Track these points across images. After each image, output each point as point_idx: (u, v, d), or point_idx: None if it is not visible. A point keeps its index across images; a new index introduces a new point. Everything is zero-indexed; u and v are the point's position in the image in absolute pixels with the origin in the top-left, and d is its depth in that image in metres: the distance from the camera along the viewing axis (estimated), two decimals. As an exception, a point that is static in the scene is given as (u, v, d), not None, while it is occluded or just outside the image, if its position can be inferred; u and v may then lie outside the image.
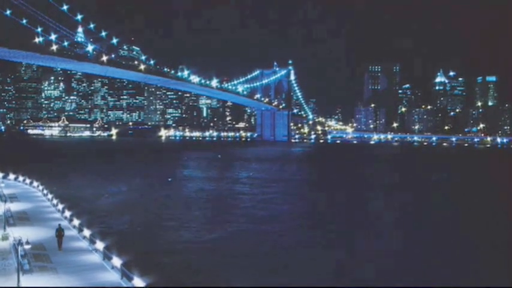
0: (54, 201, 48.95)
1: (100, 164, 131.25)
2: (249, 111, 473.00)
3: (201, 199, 73.59)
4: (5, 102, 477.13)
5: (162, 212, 60.52)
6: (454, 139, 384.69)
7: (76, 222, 38.64)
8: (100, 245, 31.64)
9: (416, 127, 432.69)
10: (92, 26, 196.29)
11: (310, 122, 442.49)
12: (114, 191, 78.31)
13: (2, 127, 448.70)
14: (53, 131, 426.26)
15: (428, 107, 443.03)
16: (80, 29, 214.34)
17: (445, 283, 36.58)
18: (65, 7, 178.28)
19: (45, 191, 56.32)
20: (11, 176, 70.55)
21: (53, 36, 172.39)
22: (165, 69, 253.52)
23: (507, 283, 38.28)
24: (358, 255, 42.92)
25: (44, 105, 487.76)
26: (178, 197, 75.56)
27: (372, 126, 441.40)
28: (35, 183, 62.69)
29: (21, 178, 68.30)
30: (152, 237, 45.81)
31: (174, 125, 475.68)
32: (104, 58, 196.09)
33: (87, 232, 35.17)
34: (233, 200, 73.08)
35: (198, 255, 40.44)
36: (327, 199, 76.51)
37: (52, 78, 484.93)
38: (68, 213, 42.23)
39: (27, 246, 26.63)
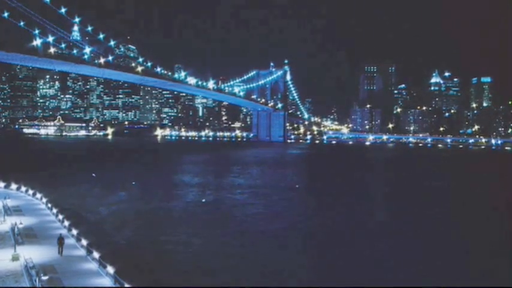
0: (60, 217, 49.58)
1: (99, 167, 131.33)
2: (244, 110, 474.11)
3: (198, 208, 74.22)
4: (0, 101, 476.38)
5: (165, 225, 61.24)
6: (449, 140, 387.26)
7: (84, 242, 39.46)
8: (110, 269, 32.41)
9: (412, 128, 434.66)
10: (89, 28, 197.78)
11: (306, 122, 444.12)
12: (116, 199, 78.91)
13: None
14: (48, 130, 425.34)
15: (424, 108, 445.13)
16: (75, 28, 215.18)
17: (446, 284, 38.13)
18: (62, 10, 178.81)
19: (49, 204, 56.91)
20: (13, 186, 70.86)
21: (50, 39, 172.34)
22: (162, 70, 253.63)
23: (507, 283, 39.77)
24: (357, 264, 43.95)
25: (39, 104, 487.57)
26: (174, 206, 76.25)
27: (367, 126, 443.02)
28: (38, 195, 63.09)
29: (23, 188, 68.58)
30: (161, 256, 46.34)
31: (170, 124, 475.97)
32: (102, 60, 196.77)
33: (96, 254, 35.95)
34: (230, 210, 73.75)
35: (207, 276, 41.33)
36: (323, 210, 77.43)
37: (47, 77, 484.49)
38: (75, 232, 42.96)
39: (44, 278, 27.42)
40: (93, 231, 50.28)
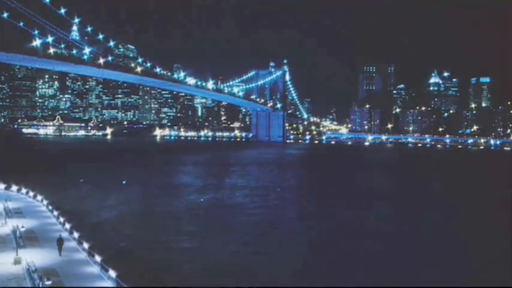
0: (61, 219, 49.71)
1: (98, 169, 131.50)
2: (244, 110, 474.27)
3: (198, 209, 74.35)
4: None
5: (163, 227, 61.35)
6: (448, 141, 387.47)
7: (86, 245, 39.65)
8: (112, 272, 32.59)
9: (411, 128, 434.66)
10: (89, 29, 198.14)
11: (305, 122, 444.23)
12: (116, 201, 79.00)
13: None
14: (47, 130, 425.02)
15: (423, 108, 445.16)
16: (74, 28, 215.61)
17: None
18: (62, 10, 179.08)
19: (50, 207, 57.03)
20: (14, 188, 70.85)
21: (49, 39, 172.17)
22: (161, 70, 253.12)
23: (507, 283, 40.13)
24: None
25: (38, 104, 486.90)
26: (174, 207, 76.38)
27: (366, 127, 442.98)
28: (39, 197, 63.15)
29: (24, 190, 68.56)
30: (162, 259, 46.40)
31: (169, 124, 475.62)
32: (101, 61, 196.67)
33: (98, 258, 36.12)
34: (229, 211, 73.87)
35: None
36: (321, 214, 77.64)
37: (46, 76, 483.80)
38: (76, 234, 43.17)
39: (47, 282, 27.59)
40: (94, 234, 50.35)
